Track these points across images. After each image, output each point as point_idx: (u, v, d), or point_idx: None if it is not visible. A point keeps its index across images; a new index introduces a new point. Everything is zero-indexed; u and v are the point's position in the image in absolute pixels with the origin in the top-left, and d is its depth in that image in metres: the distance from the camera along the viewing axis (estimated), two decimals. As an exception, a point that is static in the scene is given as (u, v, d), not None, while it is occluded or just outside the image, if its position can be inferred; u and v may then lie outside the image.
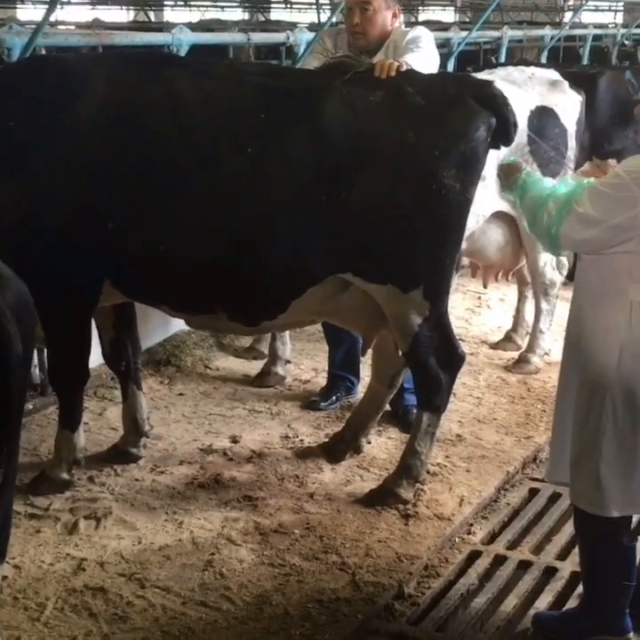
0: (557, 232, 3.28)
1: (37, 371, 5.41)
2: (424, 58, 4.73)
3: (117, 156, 4.05)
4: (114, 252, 4.14)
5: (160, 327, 6.22)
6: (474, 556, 4.15)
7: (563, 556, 4.15)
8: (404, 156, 4.09)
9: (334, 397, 5.54)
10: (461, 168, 4.13)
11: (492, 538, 4.33)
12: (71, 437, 4.49)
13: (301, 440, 5.10)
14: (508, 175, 3.72)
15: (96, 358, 5.78)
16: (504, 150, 4.57)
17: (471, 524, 4.39)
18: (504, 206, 5.59)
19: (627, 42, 14.41)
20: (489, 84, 4.41)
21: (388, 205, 4.11)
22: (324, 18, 15.10)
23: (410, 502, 4.44)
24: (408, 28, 5.14)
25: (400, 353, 4.49)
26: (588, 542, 3.53)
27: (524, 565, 4.09)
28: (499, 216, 5.62)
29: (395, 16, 4.95)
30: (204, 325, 4.77)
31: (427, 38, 4.89)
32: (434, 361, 4.36)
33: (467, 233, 5.39)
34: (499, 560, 4.12)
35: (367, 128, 4.09)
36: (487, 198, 5.27)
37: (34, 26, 5.93)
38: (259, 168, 4.06)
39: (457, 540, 4.26)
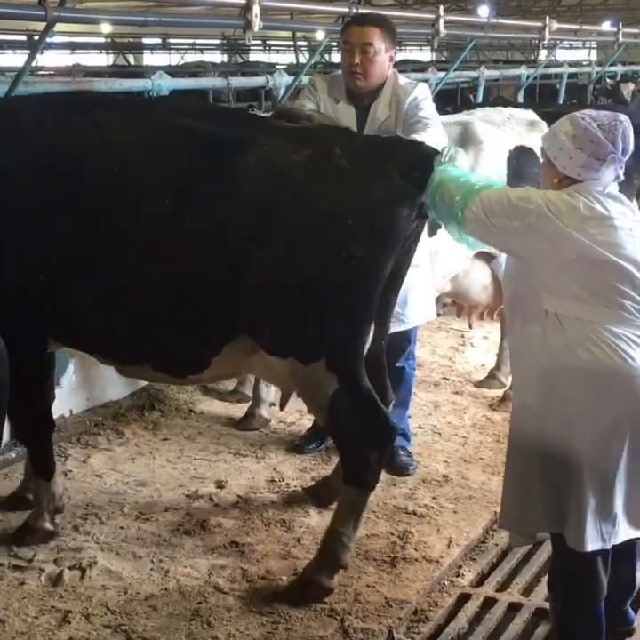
0: (466, 205, 3.46)
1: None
2: (435, 134, 4.65)
3: (43, 204, 3.98)
4: (46, 303, 4.08)
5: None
6: (463, 598, 4.12)
7: (553, 597, 4.13)
8: (315, 222, 3.81)
9: (319, 440, 5.50)
10: (376, 241, 3.83)
11: (481, 580, 4.30)
12: (48, 486, 4.42)
13: (287, 484, 5.07)
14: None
15: (79, 404, 5.80)
16: None
17: (460, 566, 4.35)
18: (486, 246, 5.61)
19: (609, 80, 14.63)
20: (420, 144, 4.13)
21: (289, 273, 3.83)
22: (301, 59, 15.32)
23: (333, 591, 4.03)
24: (409, 82, 4.97)
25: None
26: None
27: (514, 608, 4.06)
28: (480, 256, 5.64)
29: (391, 59, 4.88)
30: (133, 375, 4.65)
31: (429, 103, 4.83)
32: (357, 436, 4.01)
33: (452, 274, 5.43)
34: (488, 602, 4.09)
35: (282, 189, 3.83)
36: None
37: (14, 73, 5.95)
38: (173, 221, 3.89)
39: (446, 582, 4.22)
